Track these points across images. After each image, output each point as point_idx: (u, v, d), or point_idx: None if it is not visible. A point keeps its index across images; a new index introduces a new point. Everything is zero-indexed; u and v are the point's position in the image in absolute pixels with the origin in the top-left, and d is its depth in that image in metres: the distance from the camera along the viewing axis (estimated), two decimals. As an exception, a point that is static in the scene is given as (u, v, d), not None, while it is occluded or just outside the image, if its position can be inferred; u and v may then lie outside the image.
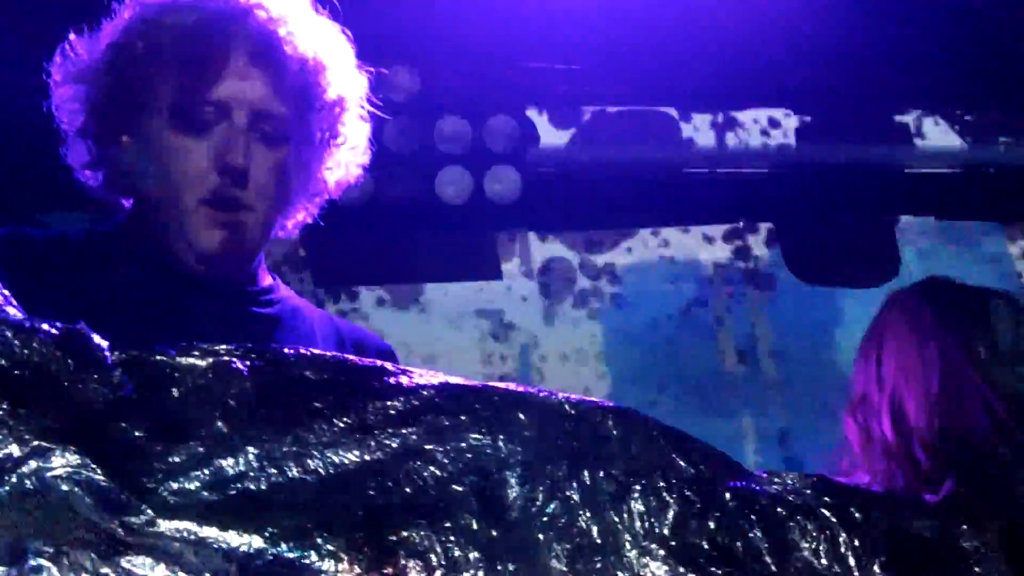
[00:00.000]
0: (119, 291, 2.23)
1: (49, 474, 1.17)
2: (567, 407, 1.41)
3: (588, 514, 1.32)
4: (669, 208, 5.63)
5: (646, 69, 5.26)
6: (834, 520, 1.44)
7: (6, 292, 1.33)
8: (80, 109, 2.28)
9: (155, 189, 2.26)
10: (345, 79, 2.32)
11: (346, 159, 2.36)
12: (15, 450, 1.18)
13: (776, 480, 1.48)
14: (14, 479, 1.16)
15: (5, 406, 1.19)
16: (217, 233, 2.23)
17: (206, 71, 2.22)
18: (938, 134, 5.60)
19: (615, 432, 1.41)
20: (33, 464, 1.17)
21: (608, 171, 5.56)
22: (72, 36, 2.30)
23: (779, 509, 1.42)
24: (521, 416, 1.36)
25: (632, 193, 5.60)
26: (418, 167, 5.13)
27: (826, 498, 1.46)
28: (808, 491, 1.46)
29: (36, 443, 1.18)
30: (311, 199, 2.37)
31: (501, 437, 1.33)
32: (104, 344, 1.30)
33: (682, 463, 1.42)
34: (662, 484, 1.37)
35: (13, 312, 1.31)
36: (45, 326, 1.28)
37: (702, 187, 5.55)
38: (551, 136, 5.52)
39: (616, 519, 1.34)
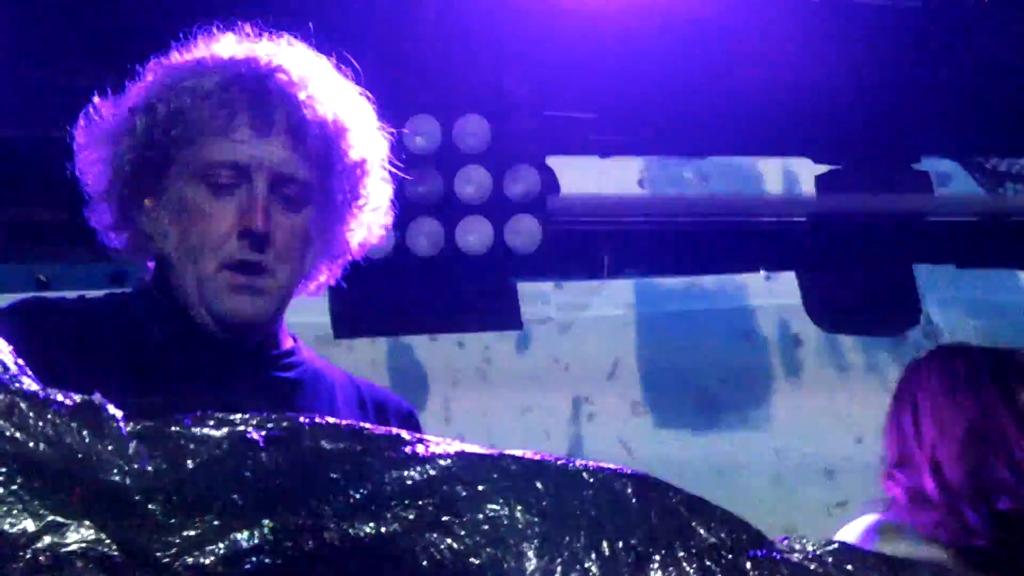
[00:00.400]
0: (140, 357, 2.26)
1: (64, 550, 1.16)
2: (585, 475, 1.40)
3: (607, 587, 1.31)
4: (691, 258, 5.63)
5: (666, 118, 5.27)
6: (856, 588, 1.43)
7: (20, 362, 1.33)
8: (103, 171, 2.31)
9: (176, 252, 2.28)
10: (366, 141, 2.34)
11: (368, 220, 2.37)
12: (29, 525, 1.17)
13: (797, 548, 1.47)
14: (28, 555, 1.15)
15: (19, 480, 1.19)
16: (237, 298, 2.25)
17: (226, 135, 2.24)
18: (958, 182, 5.60)
19: (634, 500, 1.39)
20: (47, 540, 1.16)
21: (628, 221, 5.56)
22: (96, 99, 2.33)
23: (800, 578, 1.40)
24: (539, 485, 1.35)
25: (653, 243, 5.60)
26: (439, 217, 5.13)
27: (848, 566, 1.45)
28: (829, 559, 1.44)
29: (51, 518, 1.17)
30: (333, 261, 2.38)
31: (519, 507, 1.32)
32: (119, 415, 1.29)
33: (702, 531, 1.40)
34: (682, 554, 1.36)
35: (28, 383, 1.30)
36: (60, 397, 1.27)
37: (723, 237, 5.55)
38: (571, 185, 5.52)
39: (635, 590, 1.33)
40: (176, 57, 2.34)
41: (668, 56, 4.98)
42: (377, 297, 5.27)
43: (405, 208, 5.06)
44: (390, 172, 2.42)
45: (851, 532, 3.03)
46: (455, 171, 5.12)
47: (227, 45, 2.34)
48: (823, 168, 5.50)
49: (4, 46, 4.48)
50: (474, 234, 5.20)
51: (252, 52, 2.32)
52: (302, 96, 2.27)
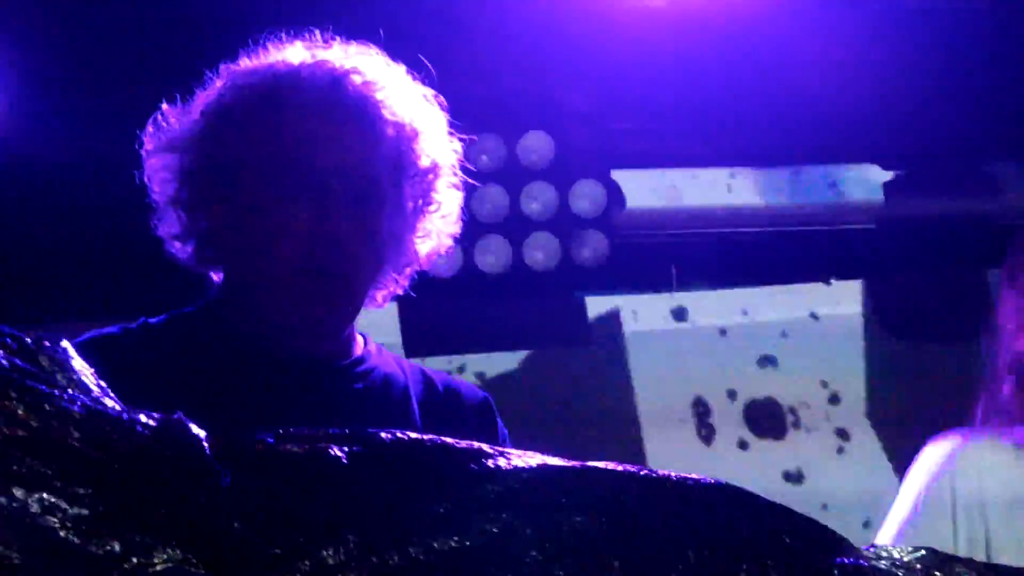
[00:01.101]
0: (207, 377, 2.22)
1: (151, 570, 1.16)
2: (669, 486, 1.38)
3: (695, 598, 1.30)
4: (759, 268, 5.60)
5: (732, 128, 5.25)
6: (946, 595, 1.41)
7: (102, 383, 1.33)
8: (172, 178, 2.28)
9: (245, 260, 2.25)
10: (438, 146, 2.31)
11: (438, 227, 2.34)
12: (116, 546, 1.17)
13: (884, 555, 1.45)
14: (116, 576, 1.16)
15: (105, 501, 1.19)
16: (306, 305, 2.22)
17: (300, 139, 2.21)
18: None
19: (720, 510, 1.38)
20: (134, 560, 1.16)
21: (694, 232, 5.55)
22: (165, 106, 2.31)
23: (889, 586, 1.39)
24: (623, 497, 1.35)
25: (719, 253, 5.58)
26: (505, 235, 5.14)
27: (937, 573, 1.43)
28: (918, 566, 1.42)
29: (137, 539, 1.18)
30: (402, 269, 2.35)
31: (602, 519, 1.32)
32: (202, 434, 1.30)
33: (789, 540, 1.39)
34: (769, 563, 1.35)
35: (111, 404, 1.31)
36: (143, 418, 1.28)
37: (792, 246, 5.52)
38: (638, 198, 5.51)
39: (722, 600, 1.32)
40: (245, 62, 2.32)
41: (731, 65, 4.97)
42: (447, 315, 5.28)
43: (472, 227, 5.09)
44: (456, 191, 2.39)
45: (935, 454, 2.95)
46: (520, 188, 5.13)
47: (297, 51, 2.32)
48: (888, 176, 5.48)
49: (82, 67, 4.54)
50: (541, 250, 5.21)
51: (324, 56, 2.29)
52: (377, 99, 2.25)
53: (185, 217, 2.29)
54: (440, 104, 2.35)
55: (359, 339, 2.36)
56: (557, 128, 5.14)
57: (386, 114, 2.25)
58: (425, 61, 2.38)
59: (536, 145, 5.14)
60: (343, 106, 2.23)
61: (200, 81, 2.34)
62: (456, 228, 2.39)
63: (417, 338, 5.32)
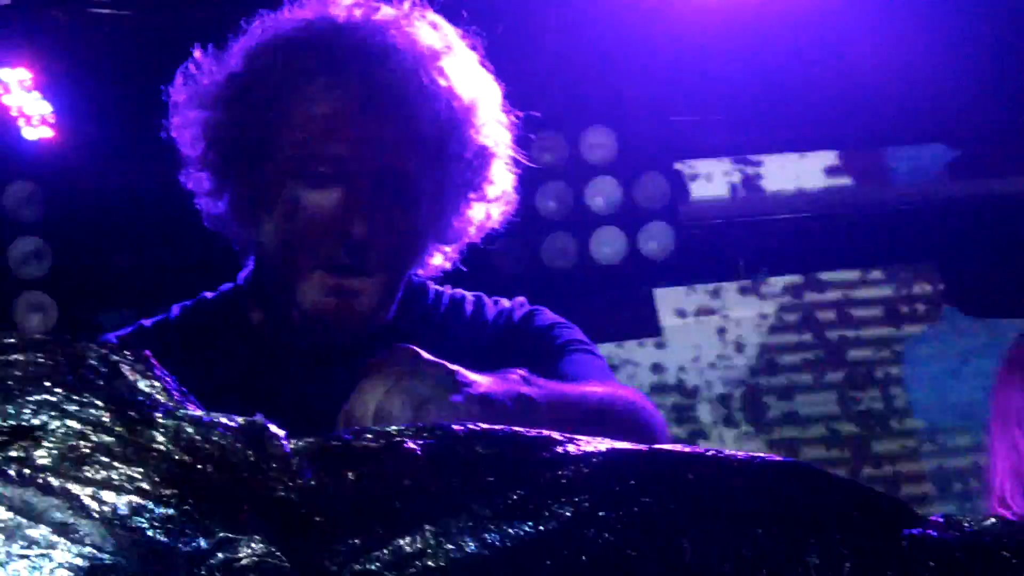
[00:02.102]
0: (237, 361, 2.15)
1: (237, 564, 1.21)
2: (736, 465, 1.41)
3: (764, 572, 1.32)
4: (828, 252, 5.59)
5: (795, 114, 5.25)
6: (1015, 562, 1.43)
7: (184, 389, 1.38)
8: (200, 136, 2.15)
9: (269, 244, 2.14)
10: (488, 127, 2.16)
11: (487, 209, 2.22)
12: (203, 543, 1.22)
13: (953, 524, 1.47)
14: (204, 571, 1.20)
15: (191, 501, 1.24)
16: (330, 300, 2.10)
17: (332, 126, 2.07)
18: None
19: (786, 487, 1.41)
20: (221, 555, 1.21)
21: (760, 220, 5.55)
22: (196, 54, 2.17)
23: (958, 555, 1.41)
24: (691, 477, 1.37)
25: (786, 239, 5.58)
26: (571, 229, 5.17)
27: (1004, 540, 1.44)
28: (988, 536, 1.44)
29: (223, 535, 1.22)
30: (448, 244, 2.23)
31: (671, 500, 1.34)
32: (282, 433, 1.34)
33: (856, 515, 1.41)
34: (837, 537, 1.37)
35: (192, 408, 1.35)
36: (224, 419, 1.32)
37: (859, 229, 5.51)
38: (702, 188, 5.52)
39: None
40: (286, 15, 2.14)
41: (792, 52, 4.97)
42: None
43: (537, 223, 5.14)
44: (509, 171, 2.24)
45: None
46: (584, 183, 5.16)
47: (342, 6, 2.13)
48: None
49: (155, 91, 4.60)
50: (607, 244, 5.24)
51: (367, 22, 2.10)
52: (420, 86, 2.07)
53: (213, 179, 2.17)
54: (490, 70, 2.19)
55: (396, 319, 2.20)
56: (619, 122, 5.17)
57: (429, 99, 2.08)
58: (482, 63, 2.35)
59: (599, 140, 5.17)
60: (381, 93, 2.06)
61: (234, 29, 2.18)
62: (509, 207, 2.25)
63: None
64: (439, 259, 2.27)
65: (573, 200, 5.19)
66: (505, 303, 2.32)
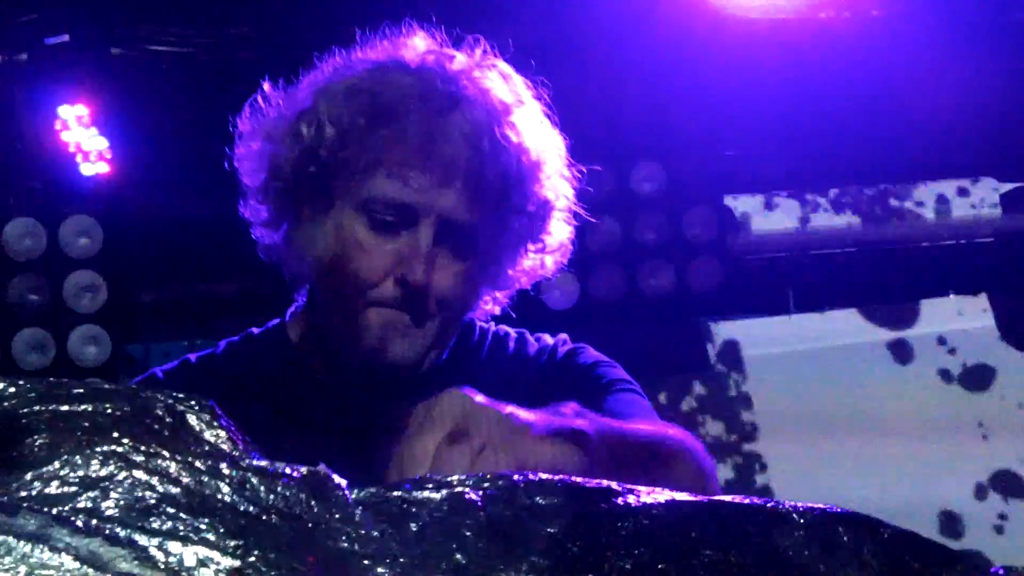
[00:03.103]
0: (288, 398, 2.17)
1: (302, 616, 1.22)
2: (795, 516, 1.42)
3: (825, 627, 1.33)
4: (879, 285, 5.58)
5: (844, 149, 5.25)
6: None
7: (248, 438, 1.39)
8: (261, 168, 2.17)
9: (327, 279, 2.15)
10: (551, 183, 2.18)
11: (544, 260, 2.25)
12: (268, 594, 1.23)
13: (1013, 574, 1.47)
14: (269, 623, 1.22)
15: (256, 552, 1.25)
16: (384, 336, 2.11)
17: (397, 172, 2.08)
18: None
19: (845, 538, 1.41)
20: (286, 607, 1.22)
21: (810, 253, 5.54)
22: (266, 86, 2.20)
23: (1019, 608, 1.41)
24: (750, 529, 1.38)
25: (835, 272, 5.57)
26: (620, 262, 5.18)
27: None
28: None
29: (288, 586, 1.24)
30: (502, 291, 2.25)
31: (732, 552, 1.35)
32: (343, 483, 1.35)
33: (916, 565, 1.41)
34: (897, 589, 1.37)
35: (256, 458, 1.37)
36: (288, 470, 1.34)
37: (911, 262, 5.50)
38: (751, 221, 5.52)
39: (852, 628, 1.35)
40: (358, 55, 2.17)
41: (838, 88, 4.97)
42: (564, 345, 5.33)
43: (586, 256, 5.16)
44: (567, 224, 2.27)
45: None
46: (633, 217, 5.18)
47: (415, 52, 2.16)
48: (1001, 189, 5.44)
49: (209, 127, 4.65)
50: (656, 277, 5.25)
51: (440, 70, 2.13)
52: (487, 139, 2.09)
53: (273, 211, 2.20)
54: (554, 121, 2.22)
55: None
56: (668, 156, 5.19)
57: (494, 153, 2.10)
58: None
59: (648, 174, 5.19)
60: (449, 144, 2.09)
61: (307, 64, 2.21)
62: (563, 258, 2.28)
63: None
64: (490, 304, 2.30)
65: (622, 233, 5.20)
66: (547, 339, 2.34)
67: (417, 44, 2.20)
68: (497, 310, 2.30)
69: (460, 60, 2.17)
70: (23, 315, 4.88)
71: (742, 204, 5.50)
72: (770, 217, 5.54)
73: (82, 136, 4.73)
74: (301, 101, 2.17)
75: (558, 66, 4.79)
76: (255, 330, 2.33)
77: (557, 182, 2.22)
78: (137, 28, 4.60)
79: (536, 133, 2.18)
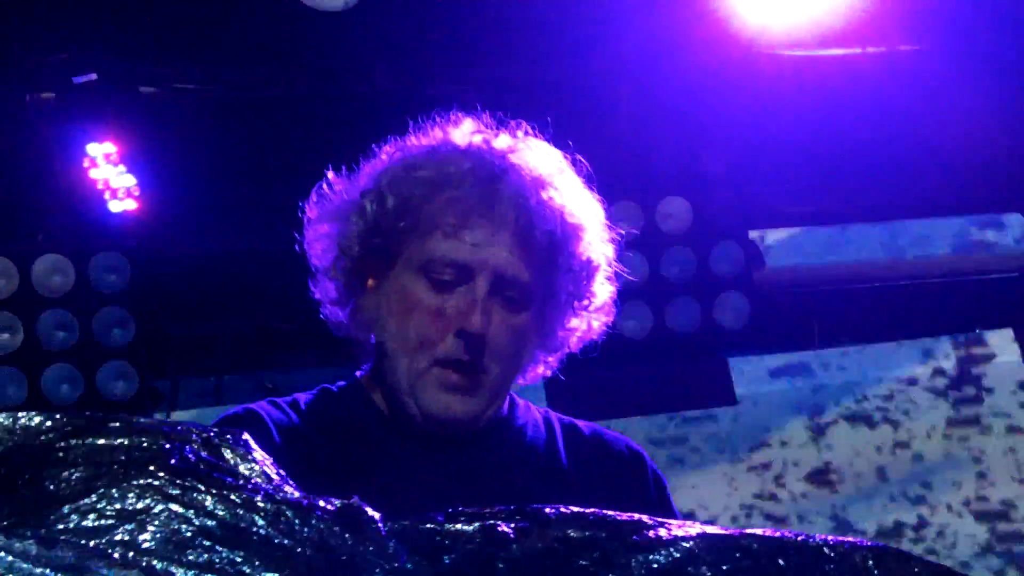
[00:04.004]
0: (352, 452, 2.29)
1: (337, 647, 1.23)
2: (826, 550, 1.42)
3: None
4: (906, 320, 5.57)
5: (870, 184, 5.25)
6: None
7: (283, 472, 1.41)
8: (330, 248, 2.33)
9: (393, 342, 2.29)
10: (594, 243, 2.32)
11: (590, 319, 2.36)
12: (303, 626, 1.24)
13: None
14: (304, 655, 1.23)
15: (291, 584, 1.26)
16: (447, 396, 2.26)
17: (454, 233, 2.24)
18: None
19: (876, 572, 1.41)
20: (321, 639, 1.23)
21: (837, 288, 5.54)
22: (330, 174, 2.36)
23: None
24: (781, 562, 1.39)
25: (861, 308, 5.56)
26: (646, 299, 5.18)
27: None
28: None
29: (323, 618, 1.24)
30: (551, 355, 2.37)
31: (763, 585, 1.36)
32: (377, 516, 1.37)
33: (949, 600, 1.42)
34: (928, 622, 1.38)
35: (290, 491, 1.38)
36: (322, 503, 1.35)
37: (939, 296, 5.49)
38: (777, 257, 5.53)
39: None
40: (412, 141, 2.34)
41: (865, 123, 4.98)
42: (591, 381, 5.31)
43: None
44: (610, 284, 2.38)
45: None
46: (660, 253, 5.18)
47: (463, 135, 2.33)
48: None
49: (234, 164, 4.71)
50: (683, 314, 5.25)
51: (487, 147, 2.31)
52: (533, 200, 2.26)
53: (342, 287, 2.33)
54: (583, 171, 2.34)
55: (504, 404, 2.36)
56: (694, 192, 5.19)
57: (541, 215, 2.26)
58: (560, 132, 2.40)
59: (674, 210, 5.19)
60: (500, 205, 2.25)
61: (366, 153, 2.36)
62: (609, 318, 2.39)
63: (562, 406, 5.37)
64: (541, 368, 2.39)
65: (648, 270, 5.20)
66: (648, 461, 2.43)
67: (465, 125, 2.36)
68: (548, 373, 2.40)
69: (505, 139, 2.35)
70: (52, 351, 4.90)
71: (768, 239, 5.50)
72: (797, 252, 5.54)
73: (110, 173, 4.76)
74: (363, 183, 2.34)
75: (584, 103, 4.82)
76: (331, 387, 2.43)
77: (598, 244, 2.35)
78: (164, 67, 4.64)
79: (576, 199, 2.33)
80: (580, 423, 2.45)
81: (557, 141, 2.40)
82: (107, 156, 4.73)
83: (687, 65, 4.86)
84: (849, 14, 4.49)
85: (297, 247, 2.38)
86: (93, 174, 4.76)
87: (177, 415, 5.08)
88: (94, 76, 4.51)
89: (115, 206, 4.80)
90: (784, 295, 5.55)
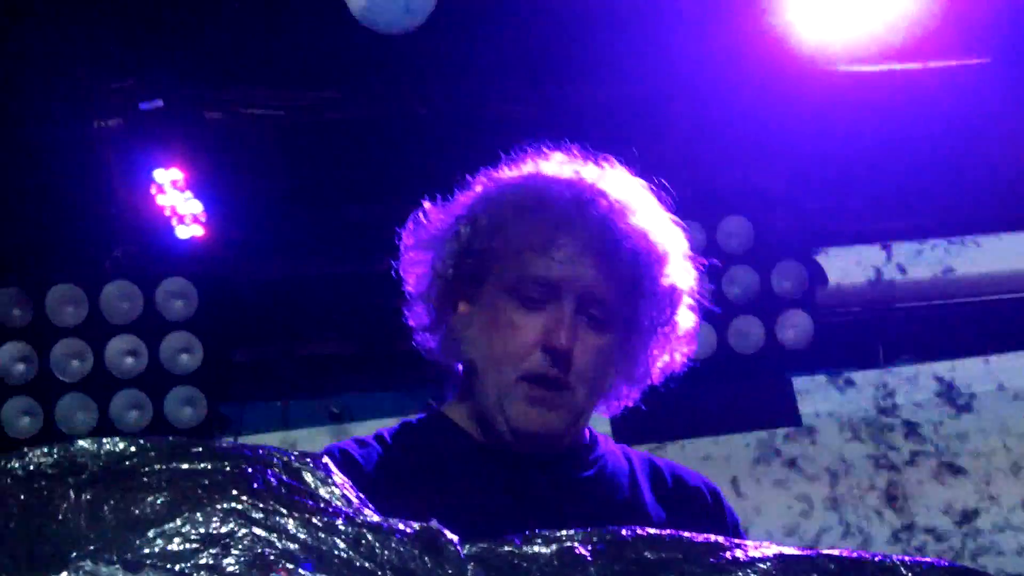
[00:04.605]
0: (440, 478, 2.33)
1: (419, 670, 1.24)
2: (903, 569, 1.42)
3: None
4: (972, 337, 5.53)
5: (934, 200, 5.23)
6: None
7: (362, 496, 1.42)
8: (425, 274, 2.40)
9: (481, 359, 2.35)
10: (677, 270, 2.37)
11: (672, 347, 2.40)
12: (386, 647, 1.26)
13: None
14: (387, 676, 1.24)
15: (373, 607, 1.28)
16: (533, 410, 2.30)
17: (543, 252, 2.30)
18: None
19: (954, 591, 1.42)
20: (403, 661, 1.25)
21: (901, 307, 5.51)
22: (426, 204, 2.43)
23: None
24: (858, 582, 1.39)
25: (929, 326, 5.53)
26: (710, 319, 5.17)
27: None
28: None
29: (405, 640, 1.26)
30: (633, 384, 2.40)
31: (841, 605, 1.36)
32: (455, 539, 1.38)
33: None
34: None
35: (369, 514, 1.40)
36: (401, 526, 1.37)
37: (1007, 313, 5.45)
38: (840, 275, 5.51)
39: None
40: (505, 171, 2.42)
41: (929, 137, 4.96)
42: (654, 402, 5.31)
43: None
44: (693, 312, 2.42)
45: None
46: (722, 273, 5.17)
47: (553, 164, 2.41)
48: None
49: (299, 188, 4.75)
50: (746, 334, 5.24)
51: (576, 174, 2.38)
52: (619, 224, 2.31)
53: (433, 311, 2.39)
54: (680, 225, 2.40)
55: (586, 432, 2.41)
56: (755, 211, 5.18)
57: (627, 239, 2.31)
58: (623, 152, 2.43)
59: (735, 229, 5.19)
60: (587, 227, 2.30)
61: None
62: (692, 348, 2.42)
63: (626, 426, 5.37)
64: (623, 399, 2.42)
65: (710, 289, 5.19)
66: (724, 499, 2.47)
67: (555, 156, 2.44)
68: (630, 403, 2.43)
69: (593, 168, 2.41)
70: (121, 377, 4.95)
71: (831, 258, 5.48)
72: (860, 270, 5.52)
73: (177, 200, 4.81)
74: (457, 210, 2.41)
75: (643, 122, 4.82)
76: (411, 419, 2.49)
77: (682, 273, 2.40)
78: (230, 92, 4.69)
79: (661, 227, 2.38)
80: (656, 459, 2.48)
81: (618, 160, 2.43)
82: (174, 182, 4.77)
83: (746, 83, 4.86)
84: (909, 28, 4.48)
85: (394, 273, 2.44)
86: (160, 200, 4.81)
87: (243, 439, 5.12)
88: (160, 102, 4.56)
89: (182, 232, 4.85)
90: (848, 313, 5.53)
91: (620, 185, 2.36)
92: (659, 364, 2.40)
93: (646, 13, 4.59)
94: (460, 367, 2.41)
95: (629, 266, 2.30)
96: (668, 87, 4.87)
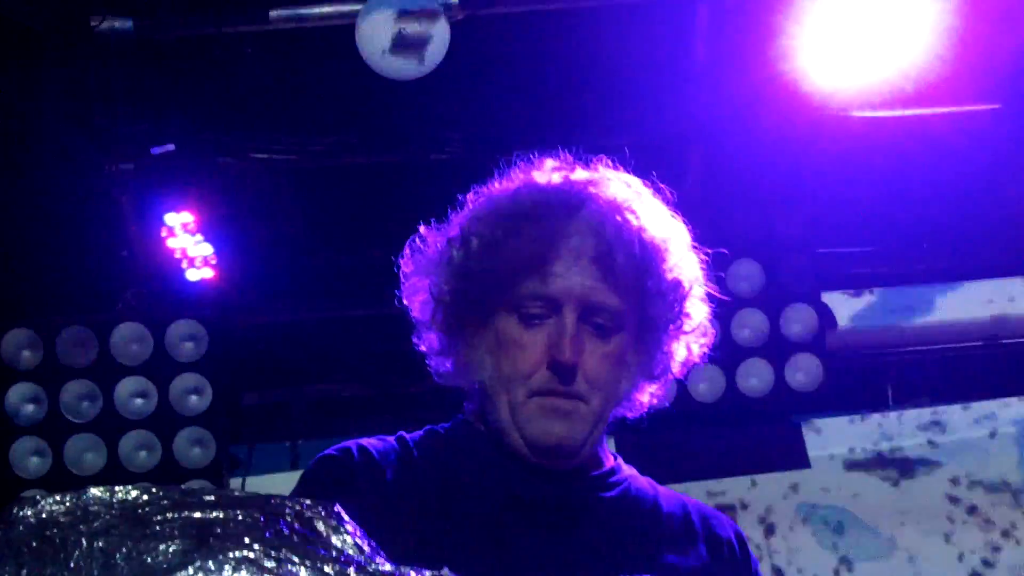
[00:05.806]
0: (460, 486, 2.32)
1: None
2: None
3: None
4: (979, 381, 5.53)
5: (943, 245, 5.23)
6: None
7: (373, 543, 1.43)
8: (427, 300, 2.37)
9: (491, 381, 2.32)
10: (681, 262, 2.33)
11: (688, 340, 2.36)
12: None
13: None
14: None
15: (386, 656, 1.28)
16: (547, 421, 2.27)
17: (538, 268, 2.27)
18: None
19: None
20: None
21: (910, 350, 5.51)
22: (422, 229, 2.41)
23: None
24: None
25: (938, 370, 5.53)
26: (718, 363, 5.18)
27: None
28: None
29: None
30: (654, 381, 2.37)
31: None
32: (467, 588, 1.38)
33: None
34: None
35: (381, 562, 1.40)
36: (413, 573, 1.37)
37: (1012, 357, 5.45)
38: (849, 319, 5.51)
39: None
40: (495, 186, 2.39)
41: (940, 182, 4.97)
42: (663, 445, 5.29)
43: (684, 356, 5.15)
44: (704, 304, 2.38)
45: None
46: (731, 316, 5.17)
47: (543, 173, 2.37)
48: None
49: (309, 233, 4.76)
50: (754, 376, 5.23)
51: (566, 180, 2.34)
52: (611, 225, 2.26)
53: (443, 337, 2.37)
54: (678, 216, 2.35)
55: (610, 456, 2.39)
56: (765, 254, 5.19)
57: (624, 239, 2.27)
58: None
59: (745, 272, 5.19)
60: (580, 234, 2.27)
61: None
62: (708, 339, 2.40)
63: (634, 468, 5.35)
64: (646, 397, 2.39)
65: (720, 332, 5.20)
66: (748, 543, 2.45)
67: (545, 164, 2.40)
68: (654, 402, 2.40)
69: (582, 172, 2.37)
70: (130, 418, 4.96)
71: (840, 302, 5.48)
72: (870, 314, 5.52)
73: (188, 243, 4.83)
74: (450, 231, 2.39)
75: (656, 165, 4.83)
76: (437, 427, 2.47)
77: (685, 264, 2.36)
78: (241, 137, 4.71)
79: (658, 220, 2.34)
80: (686, 497, 2.45)
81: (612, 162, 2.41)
82: (185, 225, 4.79)
83: (758, 127, 4.87)
84: (921, 75, 4.49)
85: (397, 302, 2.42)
86: (171, 243, 4.83)
87: (252, 481, 5.11)
88: (172, 147, 4.58)
89: (192, 275, 4.86)
90: (857, 357, 5.53)
91: (611, 185, 2.32)
92: (677, 359, 2.36)
93: (661, 60, 4.62)
94: (474, 389, 2.38)
95: (629, 267, 2.27)
96: (681, 132, 4.89)
